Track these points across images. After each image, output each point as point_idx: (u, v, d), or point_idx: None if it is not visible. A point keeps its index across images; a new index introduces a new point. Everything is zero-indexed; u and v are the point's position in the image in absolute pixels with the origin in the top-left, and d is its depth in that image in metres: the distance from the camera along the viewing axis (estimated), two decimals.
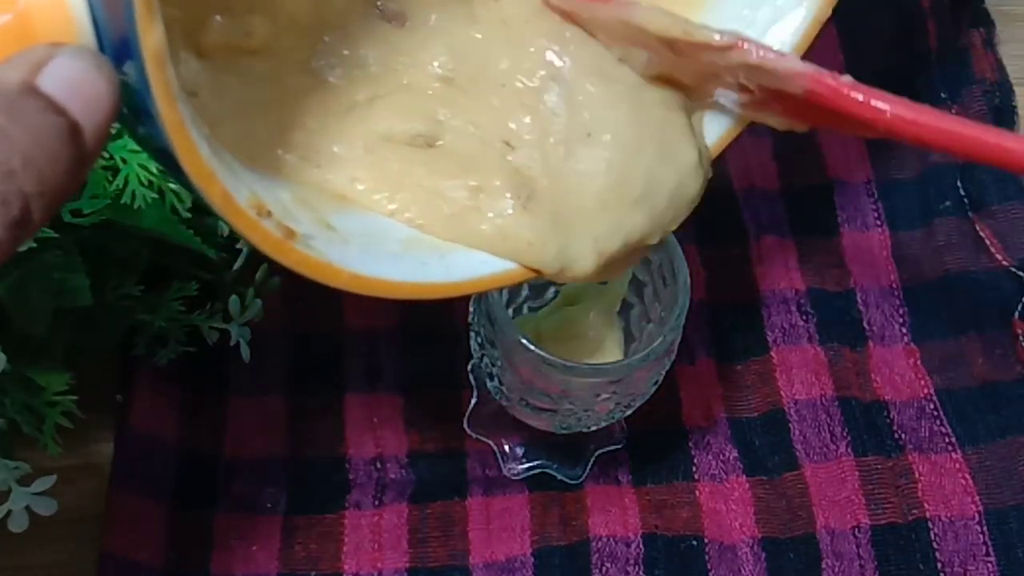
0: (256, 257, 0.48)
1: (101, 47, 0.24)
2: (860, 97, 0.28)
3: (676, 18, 0.31)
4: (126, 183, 0.41)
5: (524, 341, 0.38)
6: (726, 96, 0.32)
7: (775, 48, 0.30)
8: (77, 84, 0.23)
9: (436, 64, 0.33)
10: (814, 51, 0.33)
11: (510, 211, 0.31)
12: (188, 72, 0.30)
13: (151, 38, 0.22)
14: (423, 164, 0.32)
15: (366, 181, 0.31)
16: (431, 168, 0.31)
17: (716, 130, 0.34)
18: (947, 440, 0.48)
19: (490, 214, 0.31)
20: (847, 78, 0.29)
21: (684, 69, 0.32)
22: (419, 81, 0.33)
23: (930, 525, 0.46)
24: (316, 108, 0.32)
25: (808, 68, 0.29)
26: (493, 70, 0.33)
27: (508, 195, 0.31)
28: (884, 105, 0.28)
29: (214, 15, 0.30)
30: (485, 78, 0.33)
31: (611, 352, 0.43)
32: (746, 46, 0.30)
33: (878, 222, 0.53)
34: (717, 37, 0.30)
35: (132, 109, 0.24)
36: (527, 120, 0.32)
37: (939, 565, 0.45)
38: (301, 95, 0.32)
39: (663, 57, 0.32)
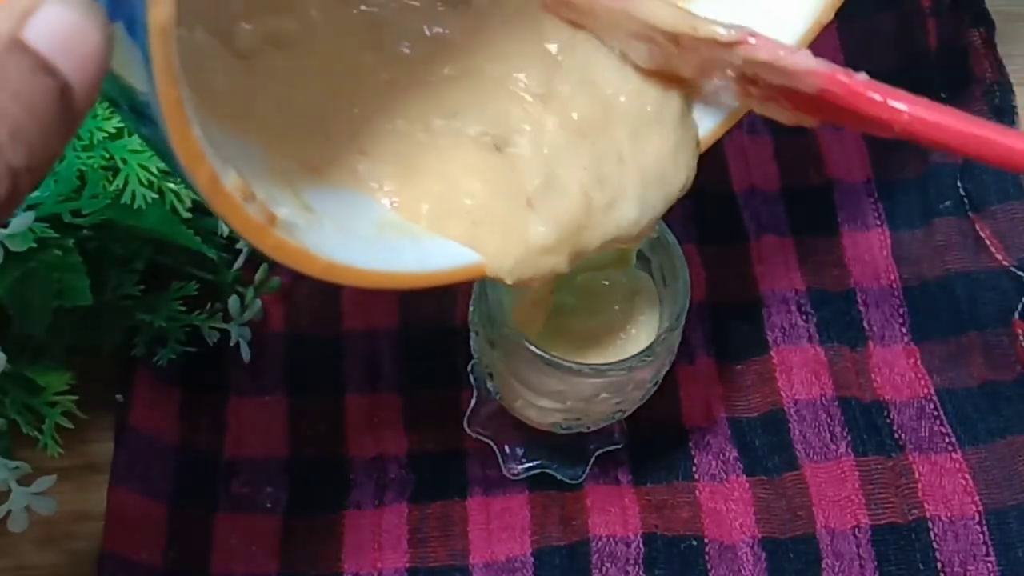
0: (256, 257, 0.48)
1: None
2: (877, 97, 0.27)
3: (681, 13, 0.30)
4: (126, 183, 0.41)
5: (524, 341, 0.38)
6: (726, 90, 0.31)
7: (784, 43, 0.29)
8: (67, 38, 0.20)
9: (523, 76, 0.33)
10: (814, 51, 0.33)
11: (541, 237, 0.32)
12: (201, 48, 0.29)
13: (160, 10, 0.20)
14: (478, 161, 0.31)
15: (372, 156, 0.31)
16: (488, 169, 0.31)
17: (707, 124, 0.34)
18: (947, 440, 0.48)
19: (527, 235, 0.31)
20: (862, 76, 0.27)
21: (685, 62, 0.31)
22: (506, 82, 0.33)
23: (930, 525, 0.46)
24: (380, 85, 0.31)
25: (821, 66, 0.28)
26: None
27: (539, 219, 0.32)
28: (902, 105, 0.26)
29: (240, 24, 0.30)
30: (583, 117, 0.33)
31: (646, 333, 0.43)
32: (755, 41, 0.28)
33: (878, 222, 0.53)
34: (723, 32, 0.29)
35: (117, 83, 0.22)
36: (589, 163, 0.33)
37: (939, 565, 0.45)
38: (363, 74, 0.31)
39: (665, 50, 0.31)
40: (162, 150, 0.23)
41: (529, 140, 0.32)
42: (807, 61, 0.28)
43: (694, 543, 0.45)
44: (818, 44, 0.33)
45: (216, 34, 0.30)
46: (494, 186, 0.31)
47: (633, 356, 0.38)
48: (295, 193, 0.28)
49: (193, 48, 0.29)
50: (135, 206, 0.41)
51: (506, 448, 0.47)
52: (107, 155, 0.42)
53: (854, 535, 0.45)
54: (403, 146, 0.31)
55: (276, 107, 0.30)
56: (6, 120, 0.20)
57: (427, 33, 0.33)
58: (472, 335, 0.43)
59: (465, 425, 0.48)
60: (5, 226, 0.38)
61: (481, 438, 0.47)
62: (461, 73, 0.33)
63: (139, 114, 0.23)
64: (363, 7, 0.32)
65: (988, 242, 0.51)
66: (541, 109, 0.32)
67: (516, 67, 0.33)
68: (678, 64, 0.31)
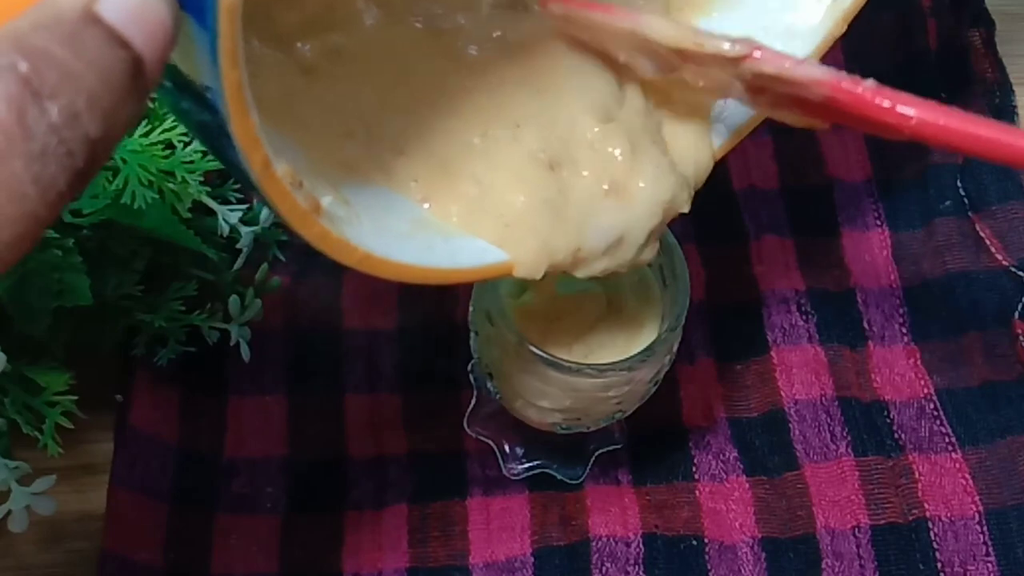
0: (256, 257, 0.48)
1: None
2: (885, 103, 0.27)
3: (685, 28, 0.30)
4: (126, 183, 0.41)
5: (524, 341, 0.38)
6: (739, 95, 0.31)
7: (790, 54, 0.29)
8: (139, 11, 0.21)
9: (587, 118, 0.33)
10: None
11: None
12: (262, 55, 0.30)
13: None
14: (524, 175, 0.32)
15: (411, 156, 0.31)
16: (536, 183, 0.32)
17: (722, 134, 0.34)
18: (947, 440, 0.48)
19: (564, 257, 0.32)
20: (870, 83, 0.28)
21: (693, 76, 0.31)
22: (575, 107, 0.33)
23: (930, 525, 0.46)
24: (447, 90, 0.32)
25: (827, 74, 0.28)
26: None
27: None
28: (910, 110, 0.27)
29: (296, 44, 0.31)
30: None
31: (649, 325, 0.43)
32: (760, 55, 0.29)
33: (878, 222, 0.53)
34: (728, 47, 0.29)
35: (176, 70, 0.23)
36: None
37: (939, 565, 0.45)
38: (430, 78, 0.32)
39: (671, 64, 0.31)
40: (215, 137, 0.24)
41: (588, 173, 0.32)
42: (812, 71, 0.28)
43: (694, 543, 0.45)
44: None
45: (276, 48, 0.30)
46: (539, 200, 0.31)
47: (633, 356, 0.38)
48: (333, 187, 0.28)
49: (249, 55, 0.29)
50: (135, 206, 0.41)
51: (506, 448, 0.47)
52: None
53: (854, 535, 0.45)
54: (450, 149, 0.32)
55: (322, 111, 0.31)
56: (84, 90, 0.20)
57: (493, 36, 0.33)
58: (472, 335, 0.43)
59: (465, 425, 0.48)
60: None
61: (481, 438, 0.47)
62: (531, 84, 0.33)
63: (197, 99, 0.24)
64: (417, 23, 0.33)
65: (988, 242, 0.51)
66: (604, 146, 0.33)
67: (585, 93, 0.33)
68: (689, 77, 0.31)
